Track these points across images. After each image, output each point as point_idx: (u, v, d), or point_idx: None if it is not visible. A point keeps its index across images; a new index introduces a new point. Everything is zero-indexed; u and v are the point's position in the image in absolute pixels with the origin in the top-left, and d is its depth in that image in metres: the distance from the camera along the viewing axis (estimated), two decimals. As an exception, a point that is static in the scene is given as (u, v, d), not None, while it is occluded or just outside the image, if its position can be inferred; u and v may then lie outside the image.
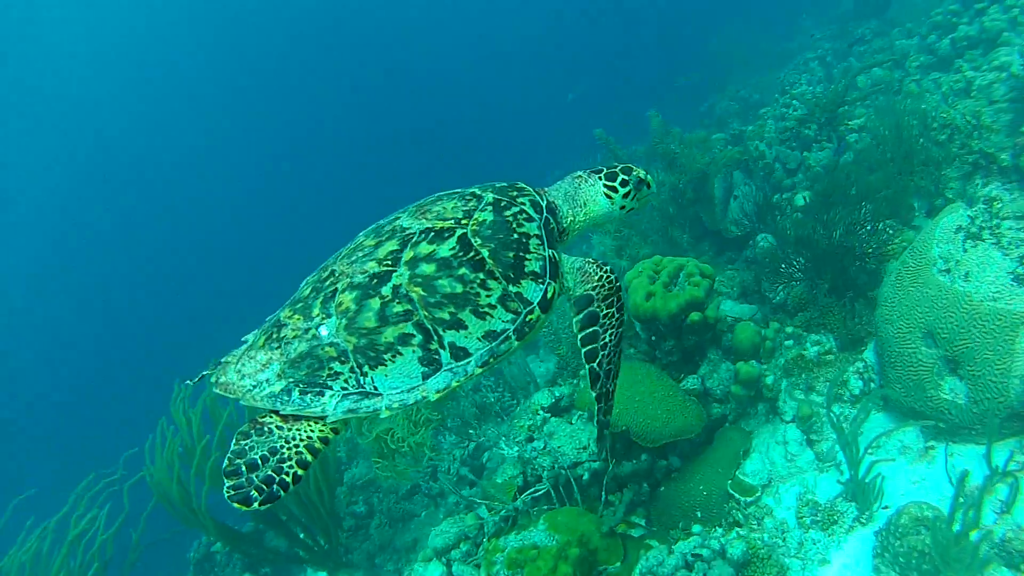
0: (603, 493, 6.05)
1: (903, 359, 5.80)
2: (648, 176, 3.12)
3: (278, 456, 2.24)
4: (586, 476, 6.30)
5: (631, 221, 9.51)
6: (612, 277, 2.86)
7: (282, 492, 2.19)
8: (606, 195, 3.02)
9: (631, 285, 6.49)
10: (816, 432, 6.19)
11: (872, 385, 6.32)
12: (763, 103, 13.49)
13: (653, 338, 6.59)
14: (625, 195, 3.03)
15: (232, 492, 2.14)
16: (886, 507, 5.36)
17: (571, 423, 6.92)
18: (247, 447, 2.25)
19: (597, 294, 2.80)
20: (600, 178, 3.03)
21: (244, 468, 2.19)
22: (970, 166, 7.96)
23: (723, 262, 9.48)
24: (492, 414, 8.03)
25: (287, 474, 2.21)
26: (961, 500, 4.66)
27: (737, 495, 5.95)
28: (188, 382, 2.67)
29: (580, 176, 3.08)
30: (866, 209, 6.96)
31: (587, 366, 2.80)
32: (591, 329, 2.79)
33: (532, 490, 6.36)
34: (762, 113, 11.19)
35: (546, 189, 3.02)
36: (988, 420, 5.23)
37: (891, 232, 7.69)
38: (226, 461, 2.22)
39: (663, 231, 9.50)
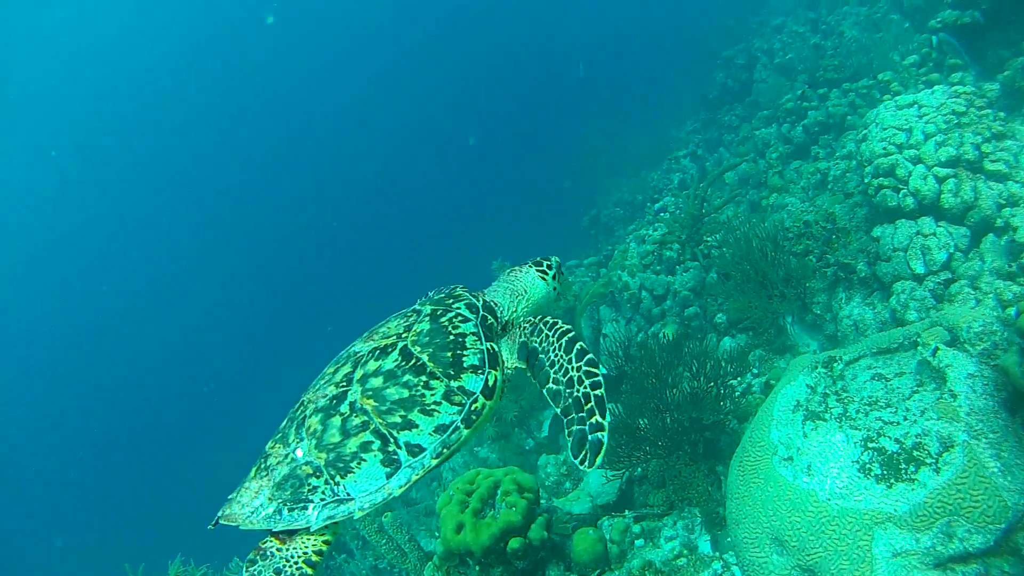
0: None
1: (756, 568, 4.48)
2: (560, 261, 3.42)
3: (282, 574, 2.42)
4: None
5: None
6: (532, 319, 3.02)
7: None
8: (540, 278, 3.22)
9: (442, 514, 5.22)
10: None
11: (740, 578, 5.01)
12: (647, 203, 12.50)
13: (478, 567, 5.25)
14: (553, 277, 3.24)
15: None
16: None
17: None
18: (256, 572, 2.44)
19: (525, 335, 2.93)
20: (530, 267, 3.25)
21: None
22: (831, 277, 6.86)
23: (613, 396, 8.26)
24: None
25: None
26: None
27: None
28: (210, 527, 2.58)
29: (513, 271, 3.28)
30: (706, 374, 5.77)
31: (553, 405, 2.77)
32: (534, 361, 2.85)
33: None
34: (628, 232, 10.13)
35: (483, 291, 3.16)
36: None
37: (753, 375, 6.53)
38: None
39: (528, 387, 8.28)
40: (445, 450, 2.56)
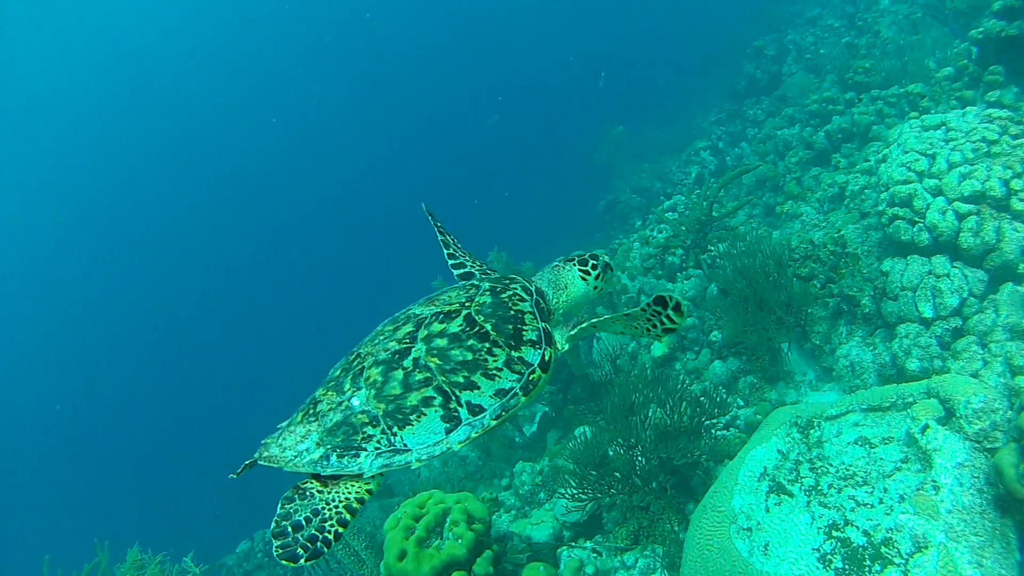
0: None
1: (708, 643, 4.03)
2: (611, 260, 3.33)
3: (320, 516, 2.26)
4: None
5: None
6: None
7: (325, 549, 2.19)
8: (581, 278, 3.14)
9: (387, 537, 4.83)
10: None
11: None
12: (663, 192, 11.74)
13: (422, 600, 4.87)
14: (596, 276, 3.15)
15: (280, 551, 2.14)
16: None
17: None
18: (292, 510, 2.27)
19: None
20: (574, 264, 3.17)
21: (290, 529, 2.20)
22: (834, 308, 6.21)
23: (594, 406, 7.77)
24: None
25: (329, 532, 2.23)
26: None
27: None
28: (232, 475, 2.44)
29: (557, 265, 3.21)
30: (680, 411, 5.24)
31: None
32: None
33: None
34: (637, 226, 9.45)
35: (532, 279, 3.15)
36: None
37: (739, 406, 5.98)
38: (273, 523, 2.21)
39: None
40: (504, 412, 2.58)
